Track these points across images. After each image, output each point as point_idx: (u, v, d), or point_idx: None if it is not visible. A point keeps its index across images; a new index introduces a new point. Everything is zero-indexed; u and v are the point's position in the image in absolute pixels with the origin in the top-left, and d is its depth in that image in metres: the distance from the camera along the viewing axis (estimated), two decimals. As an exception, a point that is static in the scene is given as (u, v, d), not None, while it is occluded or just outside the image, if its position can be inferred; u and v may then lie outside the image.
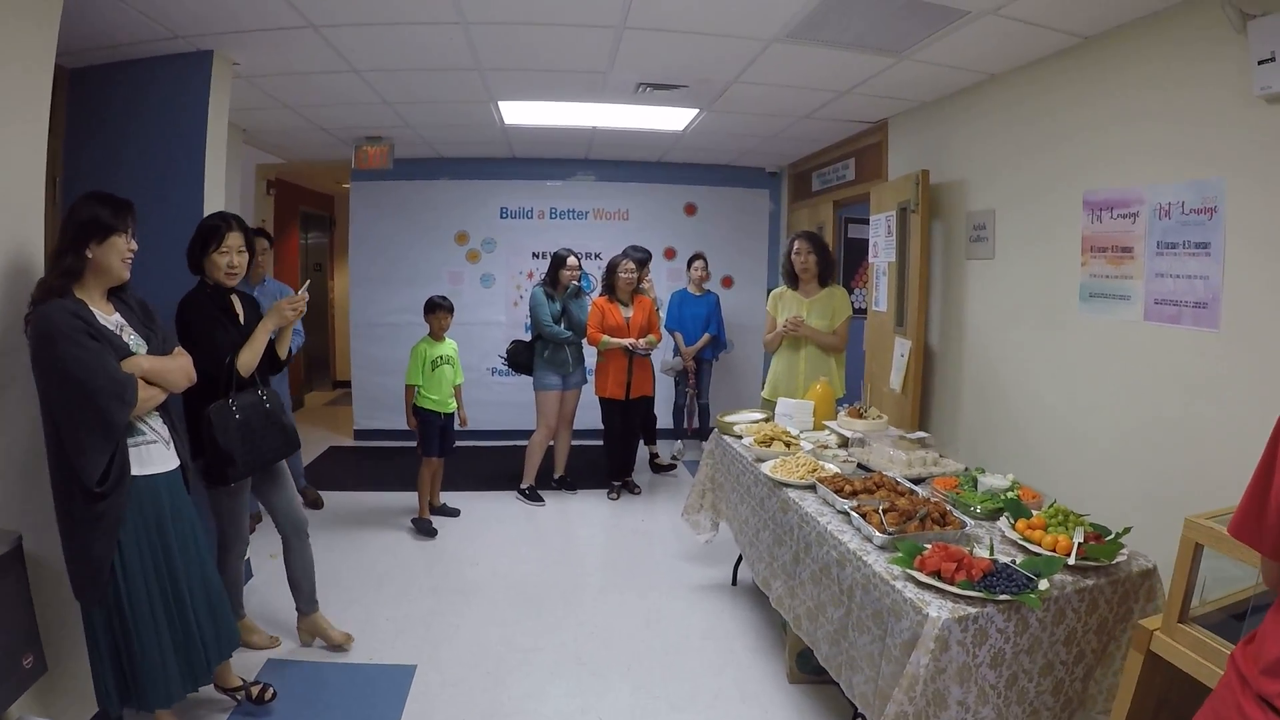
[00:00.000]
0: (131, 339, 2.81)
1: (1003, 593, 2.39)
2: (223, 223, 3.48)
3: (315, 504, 6.22)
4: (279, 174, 9.33)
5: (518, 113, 6.17)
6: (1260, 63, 2.80)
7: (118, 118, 4.46)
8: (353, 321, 8.78)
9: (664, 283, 8.47)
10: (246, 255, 3.55)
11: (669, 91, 5.27)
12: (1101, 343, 3.78)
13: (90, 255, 2.68)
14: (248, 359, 3.46)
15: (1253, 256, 2.98)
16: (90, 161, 4.42)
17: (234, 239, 3.47)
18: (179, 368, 2.96)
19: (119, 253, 2.75)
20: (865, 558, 2.75)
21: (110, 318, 2.77)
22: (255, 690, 3.40)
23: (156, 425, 2.90)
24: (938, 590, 2.45)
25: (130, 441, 2.75)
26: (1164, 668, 2.27)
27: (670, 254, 8.84)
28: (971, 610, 2.36)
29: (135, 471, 2.74)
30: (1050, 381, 4.16)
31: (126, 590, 2.73)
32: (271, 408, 3.62)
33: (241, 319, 3.61)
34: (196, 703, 3.37)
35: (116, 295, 2.86)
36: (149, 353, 2.84)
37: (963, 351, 4.97)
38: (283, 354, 3.78)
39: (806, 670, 3.70)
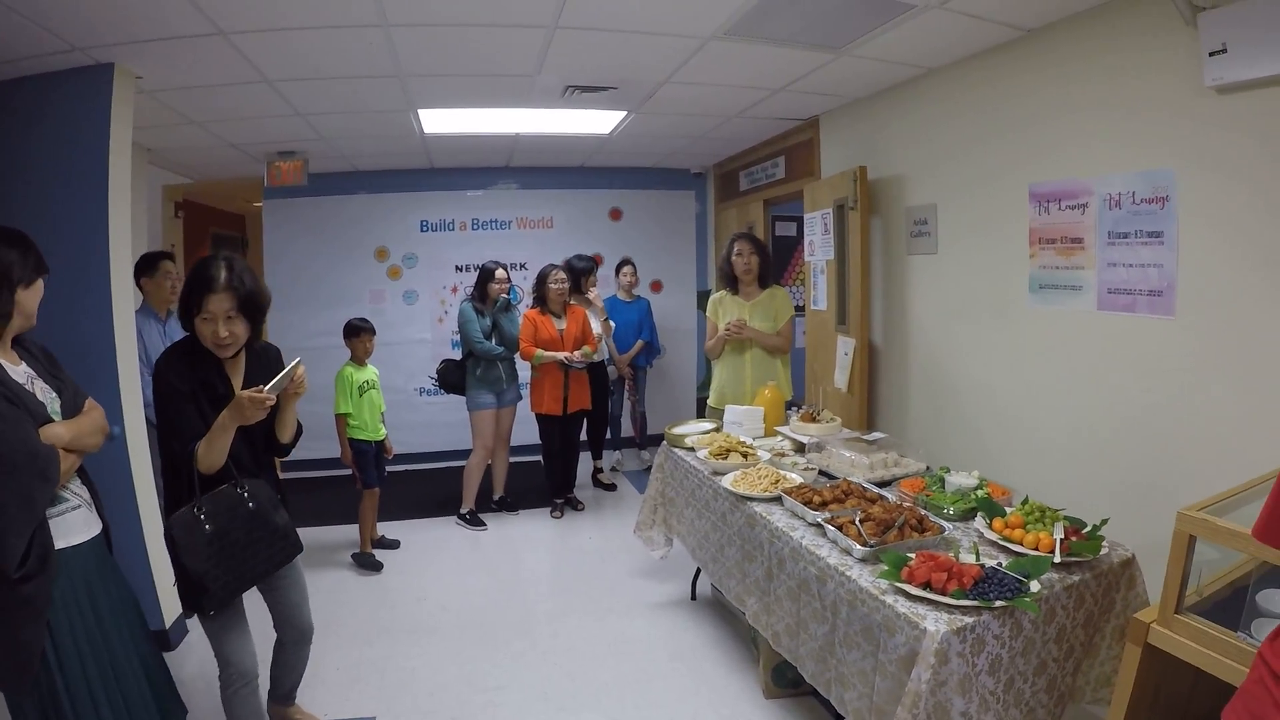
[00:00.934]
0: (43, 394, 2.45)
1: (997, 599, 2.33)
2: (208, 275, 2.68)
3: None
4: (187, 195, 8.86)
5: (439, 121, 5.96)
6: (1211, 54, 2.79)
7: (16, 138, 4.16)
8: (272, 347, 8.37)
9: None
10: (243, 325, 2.77)
11: (598, 94, 5.13)
12: (1054, 334, 3.75)
13: (17, 301, 2.39)
14: (209, 460, 2.70)
15: (1207, 244, 2.98)
16: None
17: (218, 303, 2.67)
18: (95, 428, 2.57)
19: (38, 298, 2.49)
20: (848, 572, 2.66)
21: (17, 369, 2.43)
22: None
23: (76, 488, 2.53)
24: (930, 602, 2.37)
25: (50, 512, 2.38)
26: (1160, 658, 2.25)
27: (598, 260, 8.65)
28: (968, 620, 2.29)
29: (59, 544, 2.37)
30: (1002, 374, 4.13)
31: (62, 676, 2.40)
32: (257, 506, 2.82)
33: (238, 387, 2.83)
34: None
35: (18, 342, 2.51)
36: (62, 406, 2.49)
37: (908, 348, 4.94)
38: (286, 437, 3.03)
39: (782, 685, 3.61)
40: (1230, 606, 2.24)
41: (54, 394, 2.50)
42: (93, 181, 4.15)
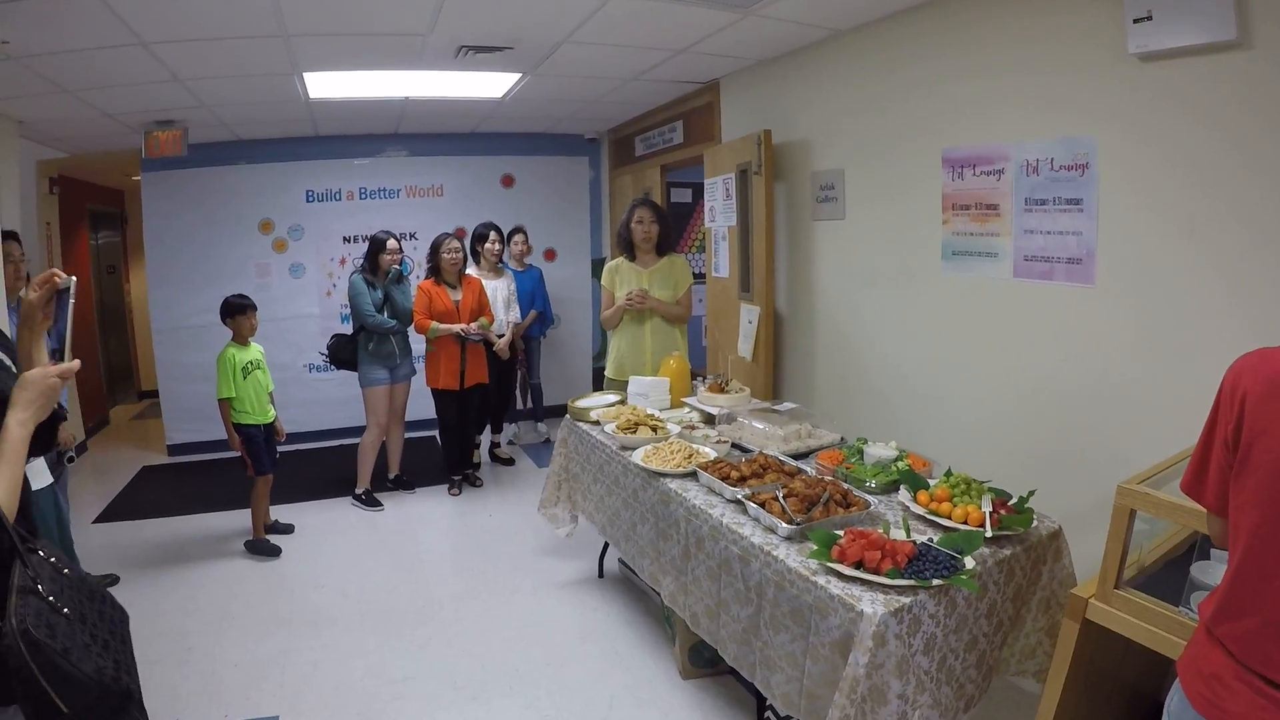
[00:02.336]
0: None
1: (934, 577, 2.25)
2: None
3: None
4: (61, 170, 8.29)
5: (324, 85, 5.60)
6: (1136, 21, 2.75)
7: None
8: (154, 327, 7.88)
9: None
10: None
11: (493, 55, 4.87)
12: (968, 302, 3.72)
13: None
14: (10, 501, 1.68)
15: (1128, 212, 2.96)
16: None
17: None
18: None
19: None
20: (774, 552, 2.55)
21: None
22: None
23: None
24: (865, 583, 2.28)
25: None
26: (1096, 631, 2.23)
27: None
28: (904, 600, 2.21)
29: None
30: (913, 343, 4.10)
31: None
32: (72, 572, 1.77)
33: None
34: None
35: None
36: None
37: (814, 316, 4.88)
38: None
39: (700, 665, 3.52)
40: (1162, 579, 2.24)
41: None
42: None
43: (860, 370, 4.48)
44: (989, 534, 2.51)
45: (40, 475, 2.71)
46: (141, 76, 4.91)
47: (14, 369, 2.06)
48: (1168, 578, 2.24)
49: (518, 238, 7.24)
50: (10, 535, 1.61)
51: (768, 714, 3.06)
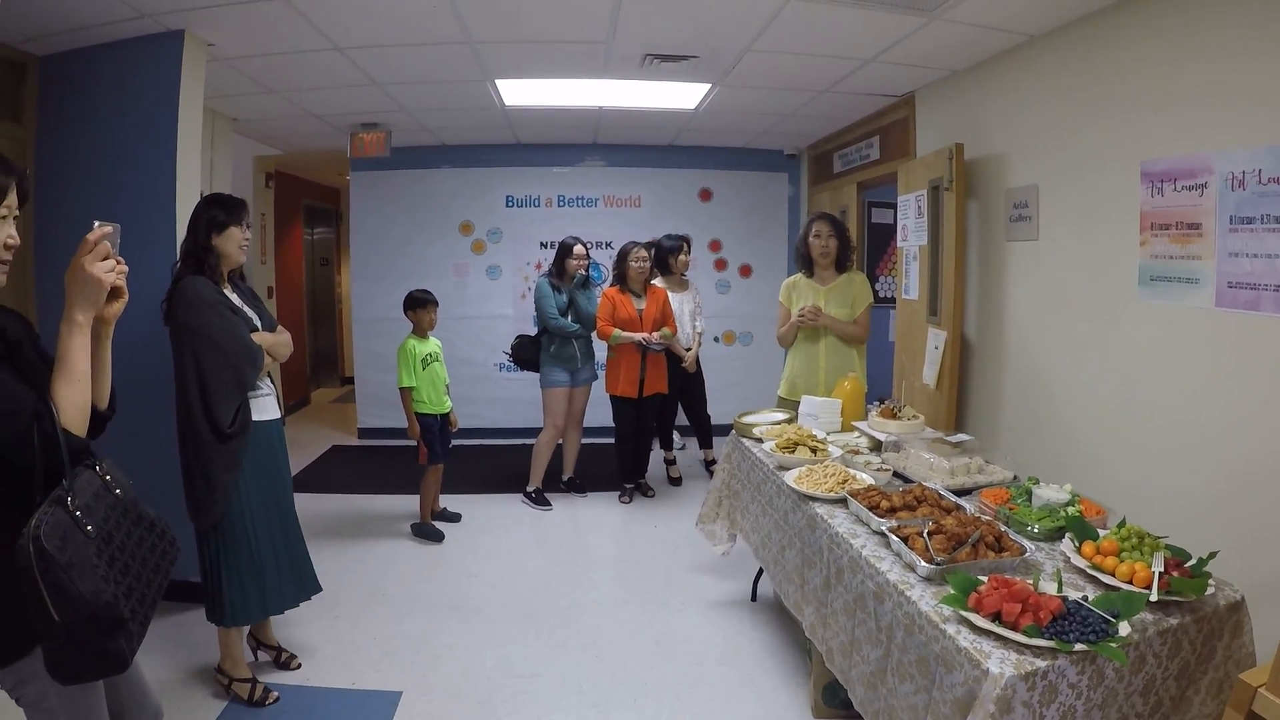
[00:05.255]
0: (251, 314, 3.37)
1: (1078, 641, 1.96)
2: None
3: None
4: (279, 166, 9.01)
5: (518, 93, 5.79)
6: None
7: (87, 105, 4.21)
8: (355, 318, 8.46)
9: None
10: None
11: (678, 64, 4.85)
12: (1165, 332, 3.33)
13: (214, 245, 3.23)
14: (71, 397, 1.77)
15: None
16: (60, 152, 4.18)
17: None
18: (285, 343, 3.48)
19: (235, 241, 3.30)
20: (908, 592, 2.33)
21: (232, 297, 3.32)
22: (285, 657, 3.71)
23: (267, 383, 3.43)
24: (998, 638, 2.02)
25: (250, 394, 3.29)
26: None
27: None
28: (1040, 664, 1.93)
29: (255, 418, 3.29)
30: (1105, 376, 3.71)
31: (247, 516, 3.28)
32: (125, 495, 1.94)
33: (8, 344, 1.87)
34: (187, 696, 3.45)
35: (232, 280, 3.41)
36: (261, 325, 3.38)
37: (1004, 343, 4.54)
38: (105, 396, 1.99)
39: (833, 704, 3.30)
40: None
41: (255, 316, 3.39)
42: (163, 148, 4.14)
43: (1050, 403, 4.11)
44: (1154, 597, 2.17)
45: (270, 410, 3.40)
46: (340, 80, 5.20)
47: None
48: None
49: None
50: (61, 449, 1.73)
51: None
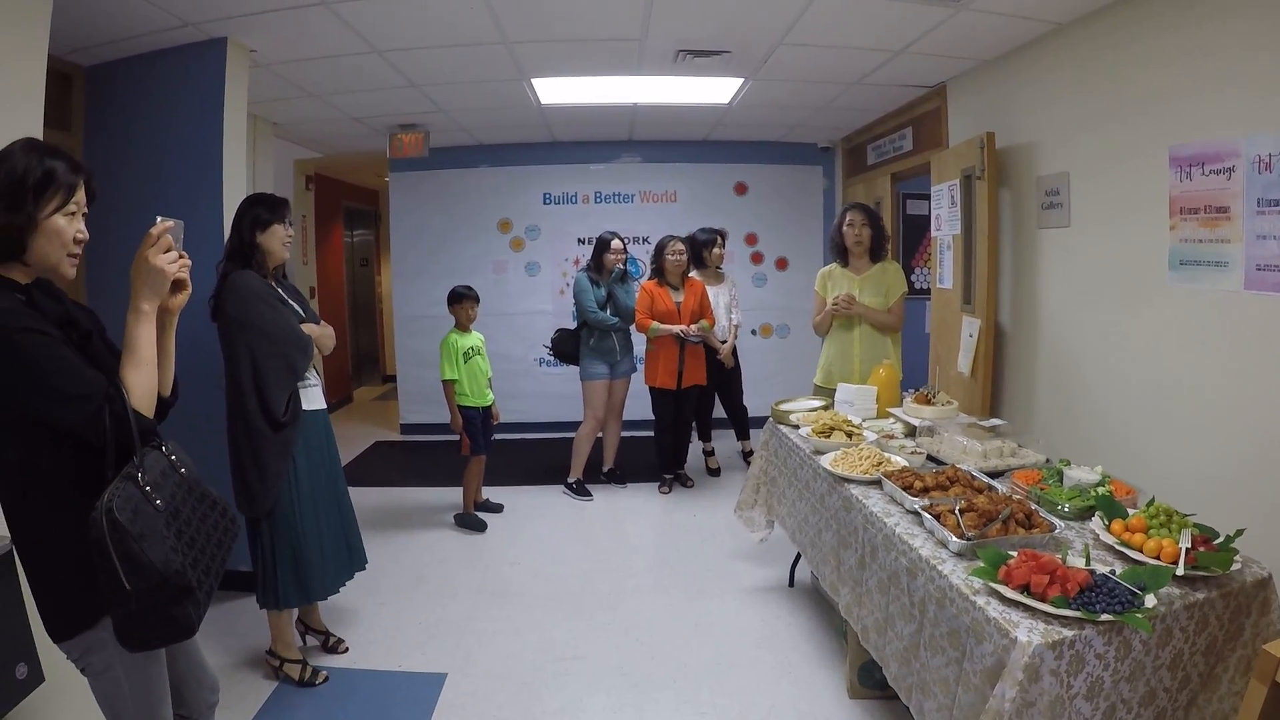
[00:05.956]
0: (296, 309, 3.52)
1: (1104, 612, 2.01)
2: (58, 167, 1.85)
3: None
4: (318, 169, 9.18)
5: (554, 91, 5.89)
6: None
7: (134, 113, 4.35)
8: (396, 316, 8.65)
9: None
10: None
11: (711, 59, 4.92)
12: (1195, 316, 3.36)
13: (259, 242, 3.39)
14: (139, 380, 1.88)
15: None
16: (108, 158, 4.29)
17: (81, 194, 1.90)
18: (329, 335, 3.69)
19: (279, 238, 3.44)
20: (940, 567, 2.40)
21: (278, 290, 3.50)
22: (332, 641, 3.86)
23: (314, 374, 3.58)
24: (1027, 608, 2.08)
25: (300, 385, 3.44)
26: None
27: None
28: (1067, 633, 1.99)
29: (305, 407, 3.45)
30: (1137, 361, 3.74)
31: (298, 502, 3.42)
32: (189, 473, 2.05)
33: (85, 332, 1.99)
34: (239, 680, 3.59)
35: (275, 277, 3.53)
36: (304, 322, 3.52)
37: (1037, 330, 4.57)
38: (169, 383, 2.08)
39: (869, 685, 3.36)
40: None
41: (299, 310, 3.53)
42: (208, 153, 4.27)
43: (1083, 388, 4.14)
44: (1180, 572, 2.21)
45: (317, 400, 3.56)
46: (379, 82, 5.32)
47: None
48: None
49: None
50: (131, 429, 1.83)
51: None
